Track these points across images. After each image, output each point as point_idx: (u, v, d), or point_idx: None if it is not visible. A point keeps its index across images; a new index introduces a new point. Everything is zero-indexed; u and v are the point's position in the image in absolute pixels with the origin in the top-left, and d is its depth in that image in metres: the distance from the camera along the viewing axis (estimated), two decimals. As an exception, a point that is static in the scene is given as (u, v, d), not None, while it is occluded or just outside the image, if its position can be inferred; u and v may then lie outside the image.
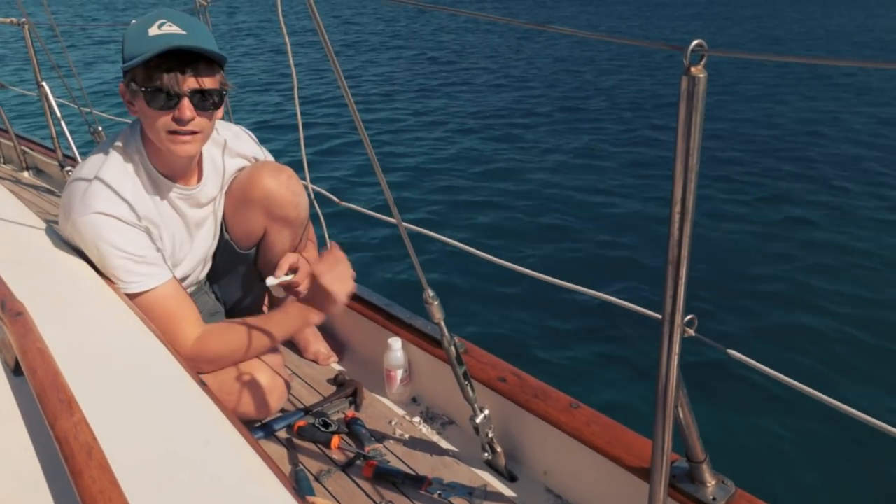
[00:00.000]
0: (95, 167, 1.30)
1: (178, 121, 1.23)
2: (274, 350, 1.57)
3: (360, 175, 4.85)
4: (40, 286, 1.17)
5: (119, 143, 1.33)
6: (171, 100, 1.21)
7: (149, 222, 1.34)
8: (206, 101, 1.24)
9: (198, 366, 1.32)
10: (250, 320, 1.36)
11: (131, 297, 1.27)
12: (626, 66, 7.38)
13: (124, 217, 1.27)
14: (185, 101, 1.22)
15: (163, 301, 1.30)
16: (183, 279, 1.46)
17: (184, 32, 1.21)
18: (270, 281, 1.47)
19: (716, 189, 4.31)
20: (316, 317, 1.34)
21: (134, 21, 1.25)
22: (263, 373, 1.44)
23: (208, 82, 1.23)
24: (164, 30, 1.20)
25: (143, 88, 1.21)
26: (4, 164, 3.33)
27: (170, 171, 1.36)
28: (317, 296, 1.32)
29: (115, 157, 1.31)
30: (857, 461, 2.17)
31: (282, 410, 1.51)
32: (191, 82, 1.21)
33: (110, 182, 1.28)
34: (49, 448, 0.73)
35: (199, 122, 1.24)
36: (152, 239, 1.34)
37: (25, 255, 1.34)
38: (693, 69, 0.71)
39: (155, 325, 1.24)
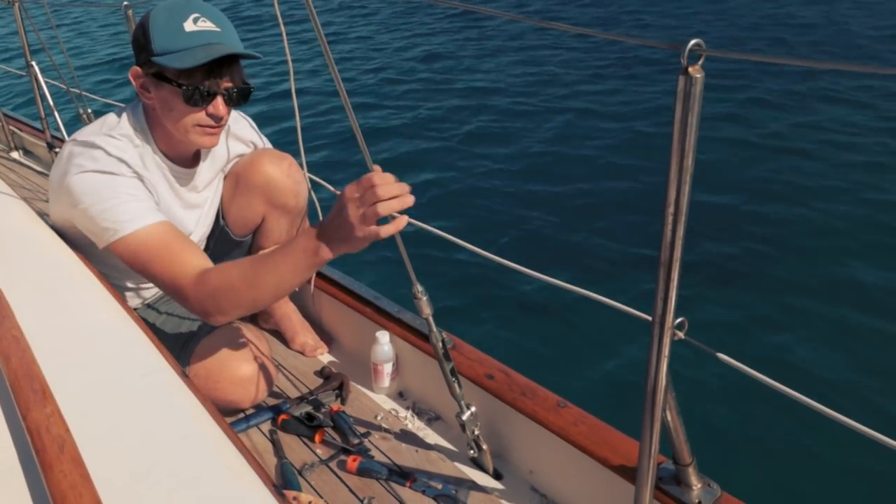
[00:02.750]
0: (96, 134, 1.26)
1: (212, 116, 1.24)
2: (259, 338, 1.56)
3: (356, 166, 4.82)
4: (20, 270, 1.15)
5: (122, 121, 1.30)
6: (206, 97, 1.22)
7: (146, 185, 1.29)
8: (236, 97, 1.26)
9: (202, 305, 1.16)
10: (254, 256, 1.28)
11: (128, 241, 1.18)
12: (623, 62, 7.36)
13: (122, 172, 1.23)
14: (220, 99, 1.23)
15: (161, 235, 1.20)
16: None
17: (218, 30, 1.20)
18: None
19: (709, 190, 4.30)
20: (329, 252, 1.03)
21: (158, 7, 1.22)
22: (249, 361, 1.43)
23: (238, 79, 1.25)
24: (201, 26, 1.19)
25: (180, 86, 1.19)
26: None
27: (174, 154, 1.35)
28: (339, 225, 1.00)
29: (117, 131, 1.28)
30: (846, 467, 2.17)
31: (266, 402, 1.50)
32: (226, 81, 1.23)
33: (110, 149, 1.24)
34: (21, 439, 0.72)
35: (227, 115, 1.27)
36: (148, 190, 1.28)
37: (7, 237, 1.31)
38: (690, 69, 0.70)
39: (153, 266, 1.17)
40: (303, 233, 1.07)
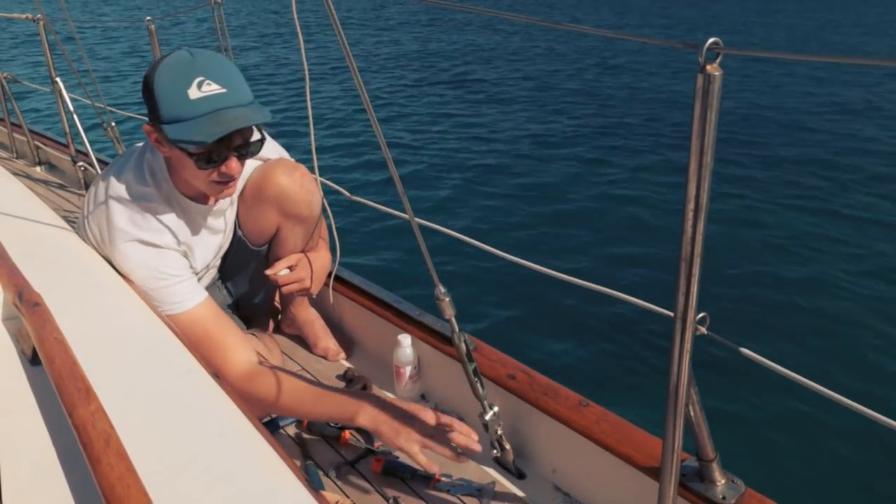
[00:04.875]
0: (127, 191, 1.31)
1: (223, 176, 1.25)
2: (279, 344, 1.59)
3: (372, 169, 4.86)
4: (56, 278, 1.19)
5: (146, 169, 1.33)
6: (217, 159, 1.22)
7: (185, 245, 1.38)
8: (248, 152, 1.27)
9: (237, 393, 1.26)
10: (312, 386, 1.29)
11: (172, 319, 1.27)
12: (642, 62, 7.35)
13: (165, 244, 1.31)
14: (233, 160, 1.24)
15: (203, 321, 1.31)
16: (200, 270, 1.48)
17: (224, 90, 1.17)
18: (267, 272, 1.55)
19: (730, 186, 4.28)
20: (363, 423, 1.21)
21: (161, 67, 1.18)
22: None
23: (249, 133, 1.24)
24: (205, 90, 1.15)
25: (190, 154, 1.20)
26: (17, 158, 3.36)
27: (195, 195, 1.38)
28: (390, 431, 1.20)
29: (145, 185, 1.32)
30: (871, 462, 2.15)
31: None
32: (237, 141, 1.22)
33: (146, 211, 1.30)
34: (67, 436, 0.74)
35: (240, 170, 1.27)
36: (187, 259, 1.38)
37: (41, 248, 1.35)
38: (709, 67, 0.71)
39: (195, 349, 1.23)
40: (363, 402, 1.21)
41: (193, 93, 1.15)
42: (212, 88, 1.16)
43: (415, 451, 1.17)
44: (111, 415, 0.74)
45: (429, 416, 1.20)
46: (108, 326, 1.05)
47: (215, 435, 0.81)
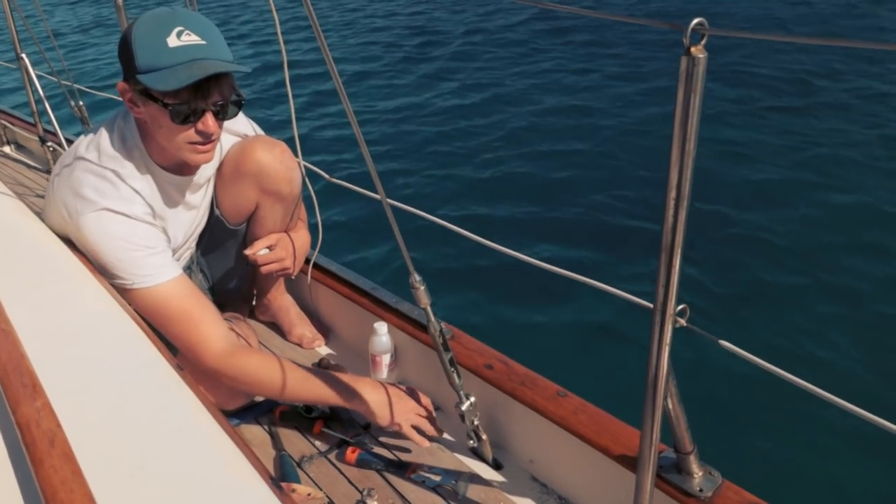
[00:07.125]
0: (96, 159, 1.24)
1: (201, 134, 1.21)
2: (253, 330, 1.55)
3: (352, 151, 4.79)
4: (11, 265, 1.13)
5: (116, 136, 1.27)
6: (195, 114, 1.18)
7: (159, 218, 1.31)
8: (226, 111, 1.22)
9: (218, 373, 1.25)
10: (297, 365, 1.29)
11: (143, 294, 1.22)
12: (624, 43, 7.30)
13: (136, 214, 1.24)
14: (210, 116, 1.20)
15: (179, 296, 1.25)
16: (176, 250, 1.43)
17: (204, 42, 1.15)
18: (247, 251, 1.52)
19: (711, 174, 4.27)
20: (359, 407, 1.29)
21: (141, 19, 1.16)
22: None
23: (227, 91, 1.21)
24: (185, 40, 1.13)
25: (166, 105, 1.15)
26: None
27: (169, 165, 1.32)
28: (384, 404, 1.30)
29: (116, 151, 1.25)
30: (847, 453, 2.17)
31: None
32: (215, 96, 1.18)
33: (116, 178, 1.24)
34: (11, 435, 0.70)
35: (218, 130, 1.23)
36: (162, 231, 1.32)
37: None
38: (693, 49, 0.68)
39: (171, 326, 1.20)
40: (360, 382, 1.30)
41: (172, 41, 1.13)
42: (191, 39, 1.14)
43: (408, 429, 1.29)
44: (60, 412, 0.70)
45: (417, 398, 1.33)
46: (64, 316, 1.00)
47: (174, 431, 0.77)
